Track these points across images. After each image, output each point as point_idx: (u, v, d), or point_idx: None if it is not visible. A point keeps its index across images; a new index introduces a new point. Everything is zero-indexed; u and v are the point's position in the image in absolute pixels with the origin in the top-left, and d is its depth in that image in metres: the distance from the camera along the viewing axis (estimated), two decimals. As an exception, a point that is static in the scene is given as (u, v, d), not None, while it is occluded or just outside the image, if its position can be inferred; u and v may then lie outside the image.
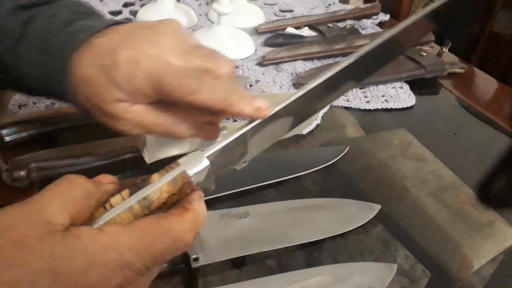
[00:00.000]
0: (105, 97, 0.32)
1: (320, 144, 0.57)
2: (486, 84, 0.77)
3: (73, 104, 0.34)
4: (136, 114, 0.34)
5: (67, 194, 0.23)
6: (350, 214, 0.44)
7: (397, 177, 0.53)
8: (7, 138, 0.48)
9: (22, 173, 0.43)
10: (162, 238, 0.24)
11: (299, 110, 0.32)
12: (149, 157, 0.48)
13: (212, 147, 0.28)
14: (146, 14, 0.78)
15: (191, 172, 0.26)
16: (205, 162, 0.27)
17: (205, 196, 0.43)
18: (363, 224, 0.45)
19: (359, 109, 0.64)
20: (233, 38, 0.71)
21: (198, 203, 0.26)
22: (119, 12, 0.82)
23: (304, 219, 0.43)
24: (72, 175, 0.25)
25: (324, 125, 0.60)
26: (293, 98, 0.31)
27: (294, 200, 0.45)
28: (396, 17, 0.97)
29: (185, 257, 0.38)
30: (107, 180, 0.26)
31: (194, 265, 0.37)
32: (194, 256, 0.38)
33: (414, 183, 0.52)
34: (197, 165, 0.26)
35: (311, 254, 0.43)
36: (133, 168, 0.48)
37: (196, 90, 0.31)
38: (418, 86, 0.69)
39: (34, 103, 0.55)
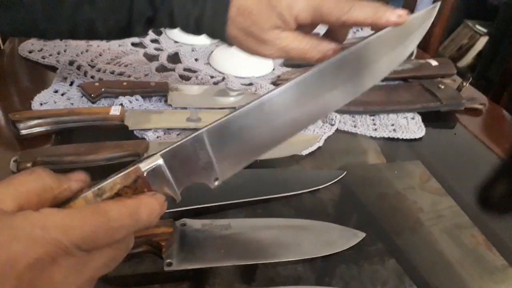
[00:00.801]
0: (263, 25, 0.40)
1: (338, 167, 0.57)
2: (506, 123, 0.75)
3: (220, 37, 0.42)
4: (284, 39, 0.42)
5: (22, 185, 0.25)
6: (332, 238, 0.44)
7: (412, 209, 0.52)
8: (23, 132, 0.52)
9: (28, 165, 0.46)
10: (95, 216, 0.25)
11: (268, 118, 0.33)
12: (148, 163, 0.50)
13: (168, 146, 0.29)
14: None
15: (144, 167, 0.28)
16: (158, 159, 0.28)
17: (192, 205, 0.46)
18: (378, 254, 0.45)
19: (382, 138, 0.64)
20: (251, 56, 0.73)
21: (146, 196, 0.27)
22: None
23: (285, 238, 0.44)
24: (37, 168, 0.27)
25: (344, 149, 0.61)
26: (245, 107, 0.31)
27: (278, 219, 0.46)
28: (425, 47, 0.97)
29: (158, 258, 0.40)
30: (77, 177, 0.28)
31: (166, 268, 0.39)
32: (168, 260, 0.39)
33: (429, 217, 0.51)
34: (150, 161, 0.28)
35: (323, 276, 0.43)
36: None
37: (350, 10, 0.39)
38: (435, 118, 0.69)
39: (55, 102, 0.60)
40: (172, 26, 0.45)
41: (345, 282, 0.42)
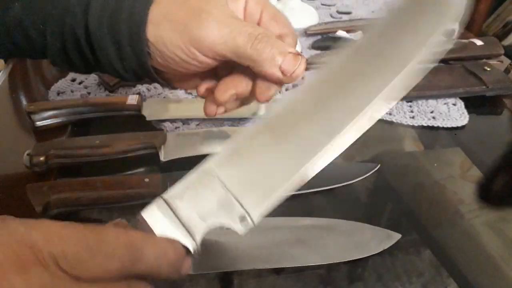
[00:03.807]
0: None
1: (372, 155, 0.54)
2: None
3: (144, 69, 0.32)
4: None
5: None
6: (362, 240, 0.40)
7: (452, 200, 0.49)
8: (38, 123, 0.50)
9: (42, 158, 0.44)
10: (86, 232, 0.21)
11: None
12: (165, 156, 0.47)
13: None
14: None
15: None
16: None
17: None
18: (414, 245, 0.43)
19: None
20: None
21: (160, 238, 0.23)
22: None
23: (310, 240, 0.40)
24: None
25: (378, 137, 0.57)
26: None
27: (302, 218, 0.42)
28: (468, 26, 0.89)
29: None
30: None
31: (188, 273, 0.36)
32: (184, 263, 0.36)
33: (470, 209, 0.48)
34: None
35: (354, 269, 0.41)
36: (147, 165, 0.48)
37: None
38: (479, 104, 0.63)
39: (72, 91, 0.58)
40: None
41: (378, 274, 0.40)
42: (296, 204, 0.46)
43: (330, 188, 0.47)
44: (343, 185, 0.48)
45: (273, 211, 0.45)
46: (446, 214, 0.47)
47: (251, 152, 0.25)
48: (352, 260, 0.40)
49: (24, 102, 0.59)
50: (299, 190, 0.45)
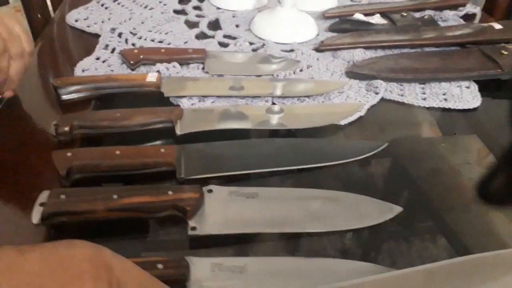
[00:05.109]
0: None
1: (390, 140, 0.53)
2: None
3: None
4: None
5: None
6: (365, 212, 0.42)
7: (467, 186, 0.49)
8: (64, 97, 0.54)
9: (66, 128, 0.48)
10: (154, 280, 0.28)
11: None
12: (180, 129, 0.50)
13: None
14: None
15: None
16: None
17: (221, 173, 0.45)
18: (429, 232, 0.43)
19: (438, 108, 0.59)
20: (294, 21, 0.70)
21: None
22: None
23: (314, 209, 0.42)
24: None
25: (395, 121, 0.57)
26: None
27: (307, 189, 0.44)
28: (491, 10, 0.87)
29: (184, 224, 0.40)
30: None
31: (191, 233, 0.39)
32: (193, 225, 0.39)
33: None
34: None
35: (369, 251, 0.42)
36: (164, 138, 0.51)
37: None
38: (495, 88, 0.63)
39: (96, 69, 0.61)
40: None
41: (392, 259, 0.40)
42: (303, 178, 0.48)
43: (346, 166, 0.49)
44: (358, 165, 0.49)
45: (282, 184, 0.47)
46: (462, 200, 0.47)
47: None
48: (366, 245, 0.41)
49: (51, 78, 0.62)
50: (307, 165, 0.48)
